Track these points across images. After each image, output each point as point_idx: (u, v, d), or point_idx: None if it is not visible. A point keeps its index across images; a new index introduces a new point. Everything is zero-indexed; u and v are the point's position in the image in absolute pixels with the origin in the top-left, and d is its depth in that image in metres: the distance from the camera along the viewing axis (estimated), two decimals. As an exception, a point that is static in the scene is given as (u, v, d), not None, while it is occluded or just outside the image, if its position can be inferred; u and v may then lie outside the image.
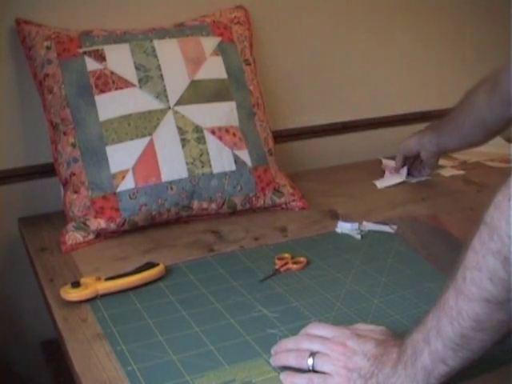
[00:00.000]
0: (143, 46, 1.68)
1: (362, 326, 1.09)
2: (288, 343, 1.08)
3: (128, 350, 1.12)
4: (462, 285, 0.90)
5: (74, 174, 1.61)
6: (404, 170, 1.92)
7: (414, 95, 2.30)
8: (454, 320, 0.91)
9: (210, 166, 1.65)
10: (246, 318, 1.21)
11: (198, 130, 1.65)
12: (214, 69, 1.73)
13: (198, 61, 1.71)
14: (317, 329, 1.08)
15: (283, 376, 1.03)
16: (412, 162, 1.92)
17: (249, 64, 1.82)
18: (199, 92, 1.69)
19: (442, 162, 1.96)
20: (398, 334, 1.05)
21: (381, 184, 1.92)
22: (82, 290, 1.29)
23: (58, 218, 1.67)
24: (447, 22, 2.29)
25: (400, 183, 1.92)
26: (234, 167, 1.67)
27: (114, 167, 1.59)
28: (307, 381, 1.01)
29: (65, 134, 1.62)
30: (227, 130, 1.69)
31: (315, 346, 1.04)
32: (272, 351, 1.08)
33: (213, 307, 1.25)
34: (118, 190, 1.59)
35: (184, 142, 1.63)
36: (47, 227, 1.69)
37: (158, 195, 1.60)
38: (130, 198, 1.59)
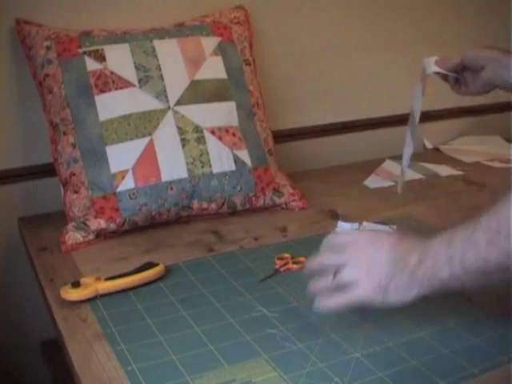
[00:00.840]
0: (143, 46, 1.68)
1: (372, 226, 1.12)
2: (313, 265, 1.14)
3: (128, 350, 1.12)
4: (496, 236, 0.92)
5: (74, 174, 1.61)
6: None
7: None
8: (480, 259, 0.94)
9: (210, 165, 1.65)
10: (246, 317, 1.20)
11: (197, 130, 1.65)
12: (213, 69, 1.73)
13: (197, 61, 1.71)
14: (336, 239, 1.14)
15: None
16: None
17: (249, 64, 1.82)
18: (199, 92, 1.69)
19: (441, 162, 1.96)
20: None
21: (372, 184, 1.93)
22: (82, 290, 1.29)
23: (58, 218, 1.67)
24: (448, 21, 2.30)
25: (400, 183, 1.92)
26: (233, 167, 1.67)
27: (114, 167, 1.59)
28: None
29: (65, 134, 1.62)
30: (227, 130, 1.69)
31: (336, 260, 1.09)
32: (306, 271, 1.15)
33: (213, 307, 1.25)
34: (118, 189, 1.59)
35: (184, 142, 1.63)
36: (47, 227, 1.69)
37: (158, 195, 1.60)
38: (130, 197, 1.59)
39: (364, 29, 2.17)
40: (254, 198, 1.69)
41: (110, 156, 1.60)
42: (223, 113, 1.71)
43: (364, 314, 1.16)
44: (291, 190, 1.76)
